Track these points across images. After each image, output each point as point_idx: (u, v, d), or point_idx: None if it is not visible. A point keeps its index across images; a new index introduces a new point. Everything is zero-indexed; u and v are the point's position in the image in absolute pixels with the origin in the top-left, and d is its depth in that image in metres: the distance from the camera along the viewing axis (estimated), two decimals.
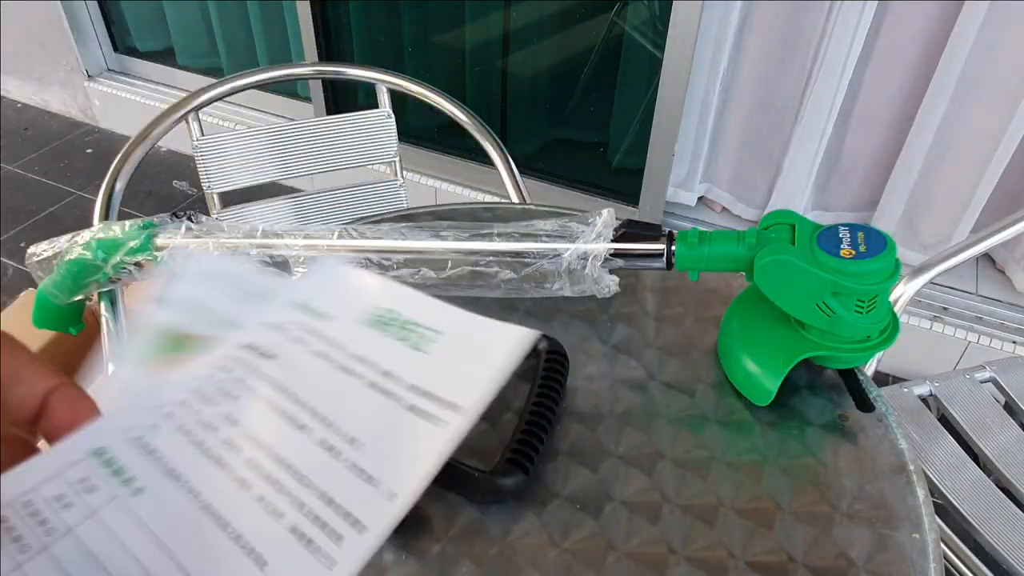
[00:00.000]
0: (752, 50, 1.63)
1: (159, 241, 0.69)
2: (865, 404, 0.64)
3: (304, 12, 1.99)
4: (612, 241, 0.63)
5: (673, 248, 0.61)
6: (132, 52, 2.56)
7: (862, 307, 0.57)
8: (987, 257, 1.72)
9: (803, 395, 0.65)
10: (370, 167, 1.21)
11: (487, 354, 0.35)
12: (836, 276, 0.55)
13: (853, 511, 0.56)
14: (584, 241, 0.64)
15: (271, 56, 2.26)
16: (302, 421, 0.29)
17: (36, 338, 1.29)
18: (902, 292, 1.00)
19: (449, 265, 0.67)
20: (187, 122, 1.09)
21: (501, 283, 0.67)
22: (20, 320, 1.33)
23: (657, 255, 0.62)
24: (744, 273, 0.62)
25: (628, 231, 0.63)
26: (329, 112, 2.15)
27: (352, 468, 0.28)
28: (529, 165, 2.02)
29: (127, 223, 0.72)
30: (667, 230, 0.63)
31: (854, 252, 0.56)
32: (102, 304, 0.89)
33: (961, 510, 0.92)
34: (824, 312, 0.57)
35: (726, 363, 0.67)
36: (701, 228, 0.63)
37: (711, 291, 0.77)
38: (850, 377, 0.66)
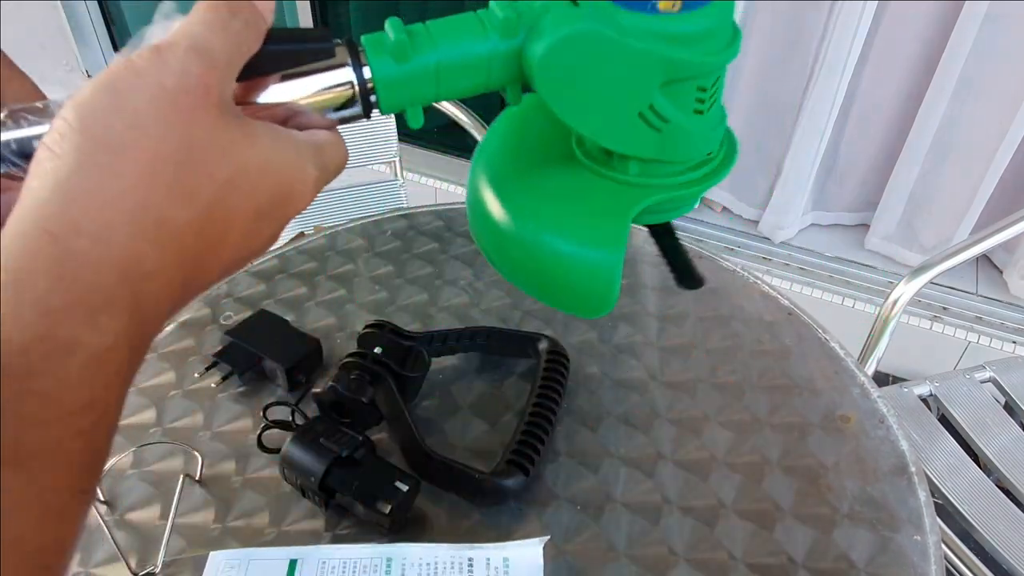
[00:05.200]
0: (752, 50, 1.63)
1: None
2: (691, 277, 0.42)
3: (304, 12, 1.99)
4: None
5: (367, 75, 0.30)
6: None
7: (704, 99, 0.34)
8: (987, 257, 1.72)
9: (803, 395, 0.65)
10: (370, 167, 1.20)
11: None
12: (668, 48, 0.31)
13: (854, 513, 0.56)
14: None
15: None
16: None
17: None
18: (902, 292, 1.00)
19: None
20: None
21: None
22: None
23: (339, 89, 0.30)
24: (505, 91, 0.34)
25: (269, 52, 0.29)
26: None
27: None
28: None
29: None
30: (340, 38, 0.31)
31: (678, 2, 0.31)
32: None
33: (961, 510, 0.91)
34: (651, 123, 0.34)
35: (510, 260, 0.38)
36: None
37: (712, 291, 0.77)
38: (667, 237, 0.42)
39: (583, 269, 0.36)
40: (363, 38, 0.31)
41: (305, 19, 2.00)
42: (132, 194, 0.21)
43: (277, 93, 0.29)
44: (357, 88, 0.30)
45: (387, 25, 0.31)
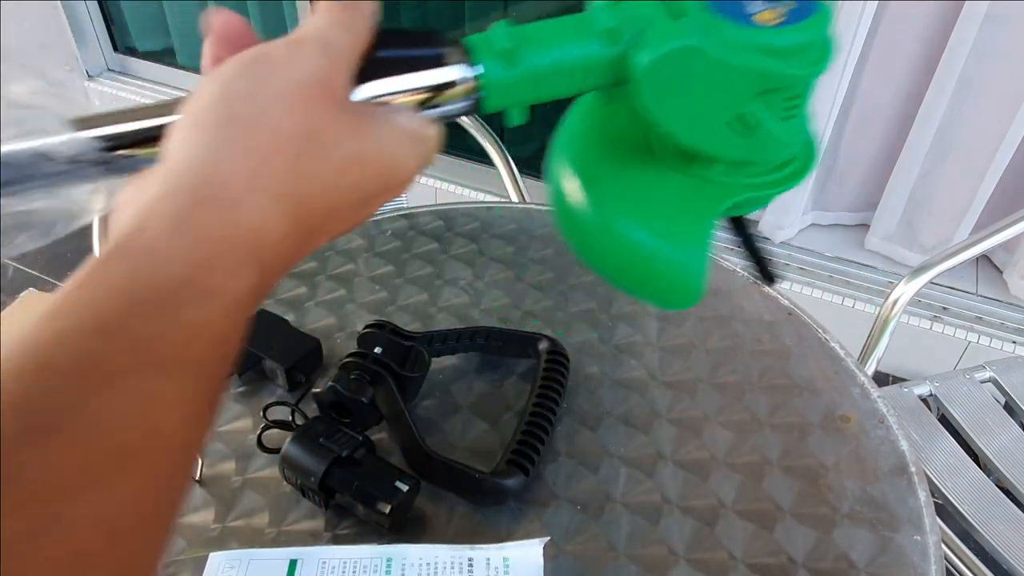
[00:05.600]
0: None
1: None
2: (767, 273, 0.44)
3: (304, 12, 1.99)
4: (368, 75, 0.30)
5: (476, 72, 0.31)
6: (132, 52, 2.55)
7: (793, 106, 0.35)
8: (987, 257, 1.72)
9: (804, 396, 0.65)
10: None
11: None
12: (767, 61, 0.32)
13: (854, 513, 0.56)
14: None
15: None
16: None
17: None
18: (902, 292, 1.00)
19: None
20: None
21: None
22: (20, 320, 1.33)
23: (446, 87, 0.31)
24: (604, 93, 0.35)
25: (381, 55, 0.31)
26: None
27: None
28: (529, 165, 2.01)
29: None
30: (450, 36, 0.32)
31: (778, 14, 0.32)
32: None
33: (961, 510, 0.91)
34: (741, 129, 0.35)
35: (597, 252, 0.39)
36: None
37: (713, 291, 0.77)
38: (743, 231, 0.43)
39: (671, 264, 0.37)
40: (470, 39, 0.32)
41: (305, 19, 2.00)
42: (262, 169, 0.24)
43: (387, 86, 0.31)
44: (465, 87, 0.31)
45: (495, 28, 0.33)
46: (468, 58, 0.31)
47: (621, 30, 0.32)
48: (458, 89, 0.31)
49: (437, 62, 0.31)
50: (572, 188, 0.38)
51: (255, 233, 0.24)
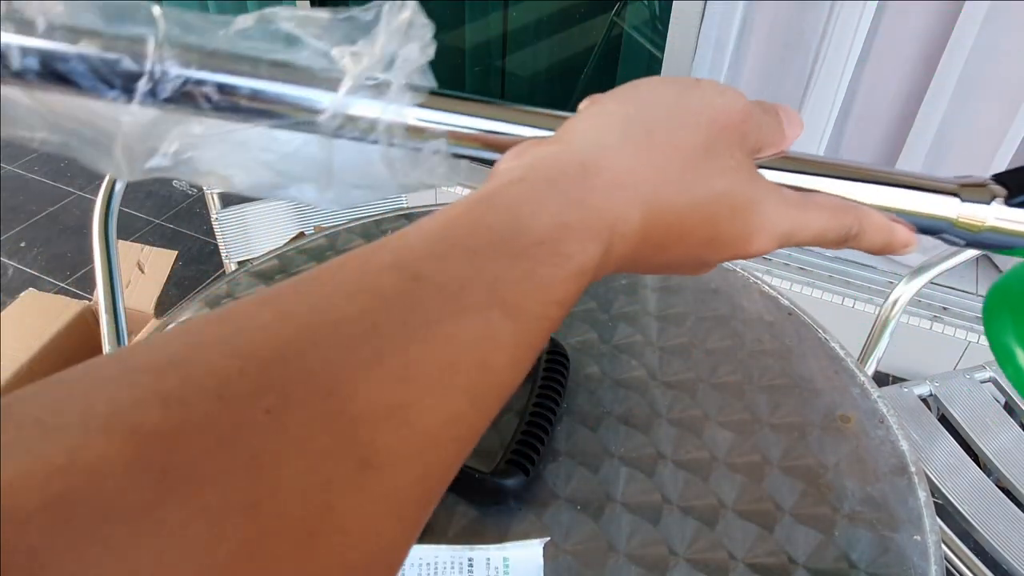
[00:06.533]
0: (753, 51, 1.63)
1: None
2: None
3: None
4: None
5: (986, 217, 0.29)
6: None
7: None
8: (987, 257, 1.72)
9: (804, 396, 0.65)
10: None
11: None
12: None
13: (854, 513, 0.56)
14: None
15: None
16: None
17: (35, 338, 1.29)
18: (902, 292, 1.00)
19: None
20: None
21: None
22: (20, 320, 1.33)
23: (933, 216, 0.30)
24: None
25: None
26: None
27: None
28: None
29: None
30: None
31: None
32: (102, 304, 0.89)
33: (961, 510, 0.92)
34: None
35: None
36: None
37: (712, 291, 0.77)
38: None
39: None
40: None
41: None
42: (643, 168, 0.26)
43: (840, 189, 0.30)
44: (965, 224, 0.29)
45: None
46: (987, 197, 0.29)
47: None
48: (942, 220, 0.30)
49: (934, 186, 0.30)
50: None
51: (614, 218, 0.25)
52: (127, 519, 0.13)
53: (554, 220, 0.23)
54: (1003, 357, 0.37)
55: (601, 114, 0.27)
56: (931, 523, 0.55)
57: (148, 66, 0.26)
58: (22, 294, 1.42)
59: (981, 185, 0.30)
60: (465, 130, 0.31)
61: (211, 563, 0.14)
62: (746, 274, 0.79)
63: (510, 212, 0.23)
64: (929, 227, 0.31)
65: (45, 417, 0.14)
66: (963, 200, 0.29)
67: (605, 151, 0.26)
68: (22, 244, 2.05)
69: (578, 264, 0.23)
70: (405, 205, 1.22)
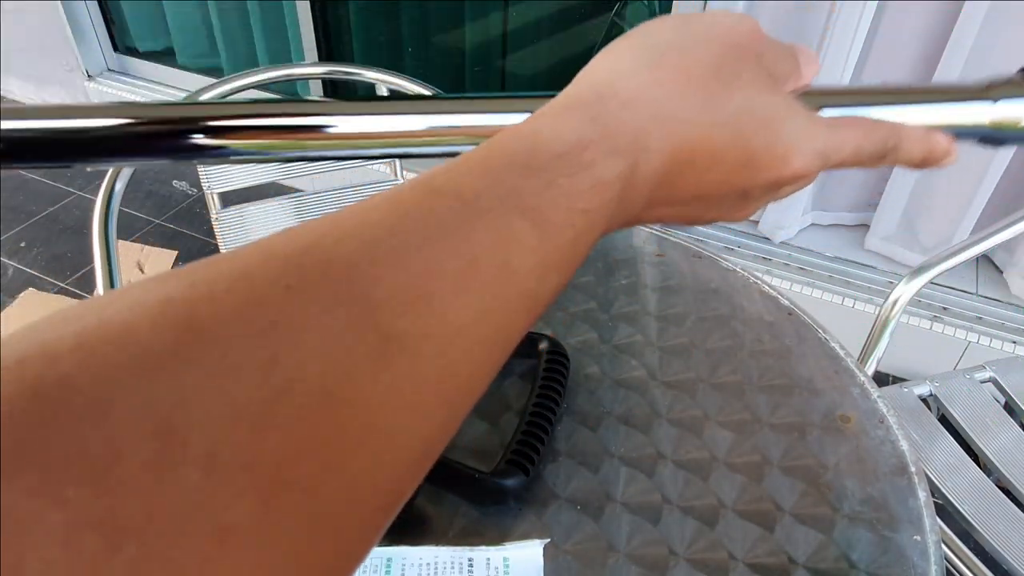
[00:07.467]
0: None
1: None
2: None
3: (304, 12, 1.98)
4: None
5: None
6: (132, 52, 2.55)
7: None
8: (987, 257, 1.72)
9: (804, 396, 0.65)
10: (370, 167, 1.20)
11: None
12: None
13: (854, 513, 0.56)
14: None
15: (271, 56, 2.25)
16: None
17: None
18: (902, 292, 1.00)
19: None
20: None
21: None
22: (20, 320, 1.33)
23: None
24: None
25: None
26: None
27: None
28: None
29: None
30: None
31: None
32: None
33: (961, 510, 0.91)
34: None
35: None
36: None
37: (713, 291, 0.77)
38: None
39: None
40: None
41: (305, 19, 2.00)
42: (664, 87, 0.26)
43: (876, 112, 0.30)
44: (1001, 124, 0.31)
45: None
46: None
47: None
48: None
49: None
50: None
51: (633, 132, 0.25)
52: (151, 357, 0.15)
53: (572, 136, 0.24)
54: None
55: (612, 50, 0.28)
56: (931, 523, 0.55)
57: None
58: (22, 294, 1.42)
59: (1014, 83, 0.30)
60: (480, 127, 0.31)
61: (240, 405, 0.15)
62: (746, 274, 0.79)
63: (529, 137, 0.24)
64: (968, 134, 0.31)
65: (78, 307, 0.16)
66: (995, 101, 0.30)
67: (619, 76, 0.27)
68: (22, 244, 2.05)
69: (599, 175, 0.24)
70: None
